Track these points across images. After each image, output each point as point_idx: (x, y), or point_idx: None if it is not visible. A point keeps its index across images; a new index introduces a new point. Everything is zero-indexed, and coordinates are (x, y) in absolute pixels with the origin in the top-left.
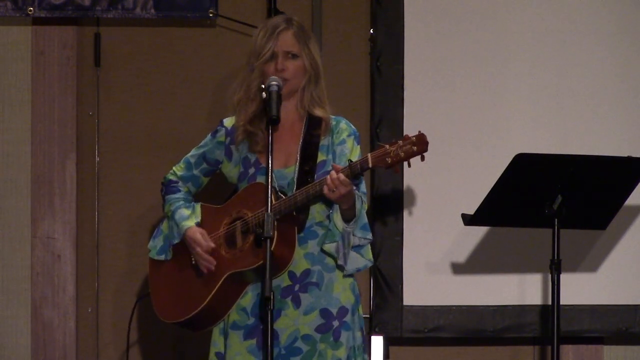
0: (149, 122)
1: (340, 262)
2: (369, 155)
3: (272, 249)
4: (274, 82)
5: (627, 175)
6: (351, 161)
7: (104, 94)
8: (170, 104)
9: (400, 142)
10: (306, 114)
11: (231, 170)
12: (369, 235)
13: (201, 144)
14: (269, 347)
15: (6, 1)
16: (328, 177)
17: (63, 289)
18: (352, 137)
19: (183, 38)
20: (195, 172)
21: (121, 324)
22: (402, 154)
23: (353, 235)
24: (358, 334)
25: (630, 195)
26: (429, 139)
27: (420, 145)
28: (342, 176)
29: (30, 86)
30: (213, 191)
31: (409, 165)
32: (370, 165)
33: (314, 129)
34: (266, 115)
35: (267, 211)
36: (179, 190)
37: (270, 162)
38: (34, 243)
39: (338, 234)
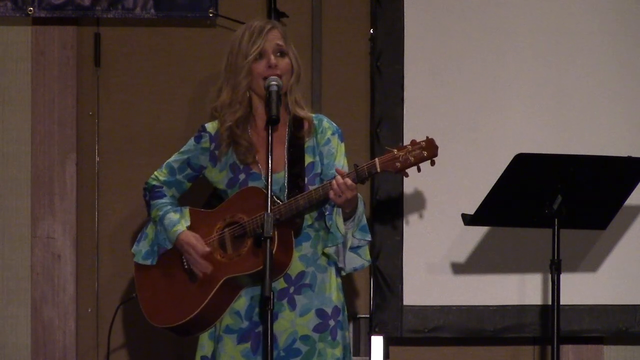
0: (149, 122)
1: (340, 264)
2: (376, 160)
3: (273, 251)
4: (273, 82)
5: (627, 175)
6: (357, 166)
7: (104, 94)
8: (170, 104)
9: (409, 146)
10: (289, 117)
11: (216, 176)
12: (368, 237)
13: (184, 149)
14: (269, 347)
15: (6, 1)
16: (334, 181)
17: (63, 289)
18: (336, 135)
19: (183, 38)
20: (179, 177)
21: (121, 324)
22: (412, 159)
23: (352, 236)
24: (347, 334)
25: (630, 195)
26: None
27: (430, 149)
28: (349, 181)
29: (30, 86)
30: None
31: (419, 170)
32: (378, 170)
33: (297, 131)
34: (266, 115)
35: (267, 211)
36: (165, 195)
37: (270, 163)
38: (34, 243)
39: (340, 237)
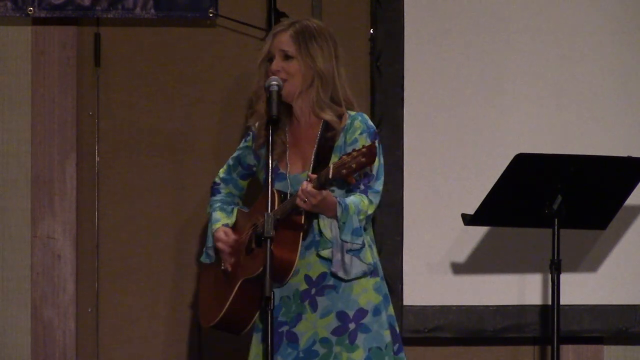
0: (149, 122)
1: (333, 269)
2: (331, 165)
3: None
4: (274, 82)
5: (627, 175)
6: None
7: (104, 94)
8: (170, 104)
9: (354, 152)
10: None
11: (259, 173)
12: (359, 240)
13: (238, 147)
14: (269, 347)
15: (6, 1)
16: (300, 188)
17: (63, 289)
18: (365, 134)
19: (183, 38)
20: (234, 175)
21: (121, 324)
22: (354, 165)
23: (341, 240)
24: (385, 333)
25: (630, 195)
26: (428, 139)
27: (369, 156)
28: (309, 187)
29: (30, 86)
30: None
31: (362, 176)
32: (330, 176)
33: (329, 131)
34: (266, 115)
35: (267, 211)
36: (219, 192)
37: (270, 162)
38: (34, 243)
39: (328, 241)
